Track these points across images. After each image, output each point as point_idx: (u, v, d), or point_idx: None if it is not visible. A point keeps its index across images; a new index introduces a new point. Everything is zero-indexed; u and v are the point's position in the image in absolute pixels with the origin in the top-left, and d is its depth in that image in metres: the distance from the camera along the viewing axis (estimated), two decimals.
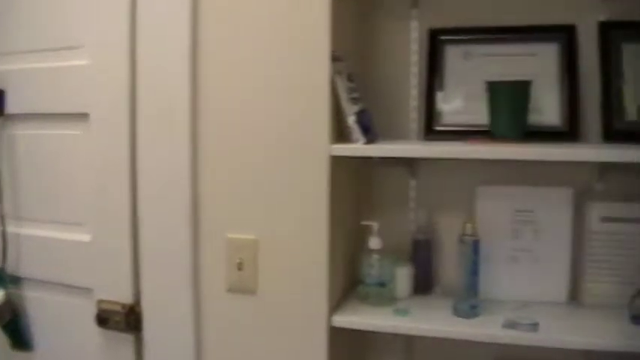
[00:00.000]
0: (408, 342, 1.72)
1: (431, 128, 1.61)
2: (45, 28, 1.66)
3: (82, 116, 1.60)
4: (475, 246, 1.45)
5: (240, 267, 1.49)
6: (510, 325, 1.40)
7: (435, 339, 1.49)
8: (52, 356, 1.76)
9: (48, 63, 1.65)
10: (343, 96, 1.41)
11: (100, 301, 1.61)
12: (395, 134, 1.65)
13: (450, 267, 1.61)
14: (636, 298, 1.44)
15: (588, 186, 1.57)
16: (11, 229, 1.74)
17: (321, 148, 1.40)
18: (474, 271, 1.45)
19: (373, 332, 1.57)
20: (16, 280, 1.77)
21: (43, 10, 1.66)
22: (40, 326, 1.77)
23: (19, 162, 1.74)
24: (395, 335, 1.62)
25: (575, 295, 1.57)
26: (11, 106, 1.71)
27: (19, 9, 1.68)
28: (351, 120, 1.41)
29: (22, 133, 1.73)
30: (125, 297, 1.59)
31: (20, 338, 1.77)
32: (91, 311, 1.61)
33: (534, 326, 1.39)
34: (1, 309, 1.73)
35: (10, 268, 1.75)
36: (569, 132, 1.53)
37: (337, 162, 1.43)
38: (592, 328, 1.43)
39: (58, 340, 1.74)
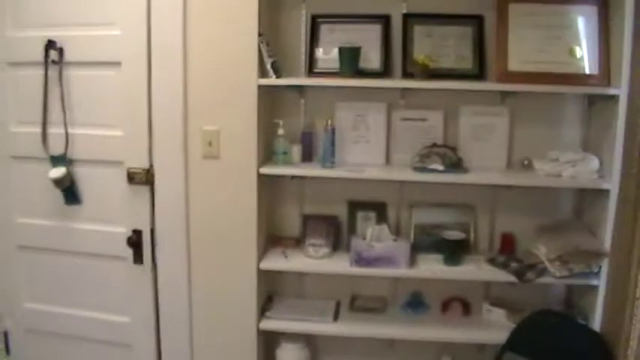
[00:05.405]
0: (300, 188, 3.12)
1: (312, 70, 2.96)
2: (91, 9, 2.85)
3: (116, 64, 2.84)
4: (332, 132, 2.81)
5: (210, 144, 2.80)
6: (349, 170, 2.80)
7: (316, 185, 2.96)
8: (97, 205, 3.00)
9: (92, 32, 2.86)
10: (264, 53, 2.73)
11: (129, 168, 2.87)
12: (293, 74, 2.99)
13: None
14: (416, 157, 2.85)
15: (395, 101, 2.97)
16: (70, 130, 2.93)
17: (253, 80, 2.71)
18: (332, 143, 2.81)
19: (282, 181, 2.94)
20: (71, 162, 2.97)
21: None
22: (90, 188, 2.98)
23: (74, 90, 2.92)
24: (294, 181, 3.02)
25: (389, 160, 2.99)
26: (69, 56, 2.91)
27: None
28: (268, 66, 2.74)
29: (76, 73, 2.93)
30: (144, 164, 2.87)
31: (74, 197, 2.99)
32: (123, 175, 2.87)
33: (362, 170, 2.79)
34: (63, 179, 2.88)
35: (69, 154, 2.96)
36: (384, 72, 2.91)
37: (262, 89, 2.74)
38: (391, 171, 2.86)
39: (102, 195, 2.96)
